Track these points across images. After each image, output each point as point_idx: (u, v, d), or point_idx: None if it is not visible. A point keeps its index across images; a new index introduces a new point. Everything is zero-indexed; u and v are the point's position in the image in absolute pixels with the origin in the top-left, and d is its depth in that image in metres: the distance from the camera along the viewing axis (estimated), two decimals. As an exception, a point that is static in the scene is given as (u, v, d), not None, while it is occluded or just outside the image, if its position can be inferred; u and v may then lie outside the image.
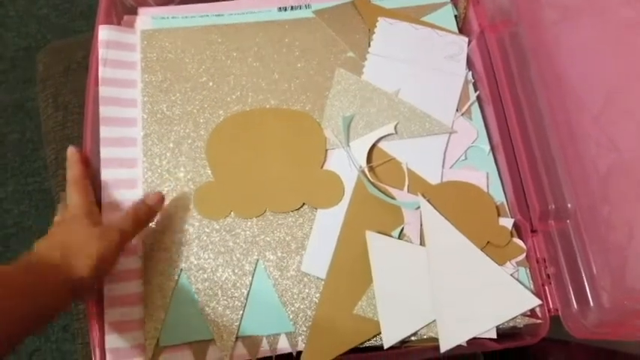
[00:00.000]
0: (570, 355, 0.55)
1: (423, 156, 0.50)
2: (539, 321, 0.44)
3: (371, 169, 0.49)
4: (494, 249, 0.46)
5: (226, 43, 0.53)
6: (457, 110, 0.52)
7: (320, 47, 0.54)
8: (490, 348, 0.43)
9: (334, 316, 0.44)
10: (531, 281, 0.45)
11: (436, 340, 0.43)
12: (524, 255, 0.46)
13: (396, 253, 0.45)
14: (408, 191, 0.48)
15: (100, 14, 0.51)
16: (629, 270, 0.40)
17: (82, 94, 0.49)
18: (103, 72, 0.49)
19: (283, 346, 0.43)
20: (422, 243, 0.46)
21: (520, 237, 0.47)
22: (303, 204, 0.47)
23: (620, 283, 0.40)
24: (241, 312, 0.44)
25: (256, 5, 0.56)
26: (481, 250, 0.45)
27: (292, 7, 0.56)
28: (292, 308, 0.44)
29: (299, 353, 0.43)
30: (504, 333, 0.44)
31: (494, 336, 0.43)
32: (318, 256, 0.46)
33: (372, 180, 0.48)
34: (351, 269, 0.45)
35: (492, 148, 0.51)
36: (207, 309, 0.44)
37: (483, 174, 0.49)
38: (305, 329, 0.43)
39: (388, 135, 0.50)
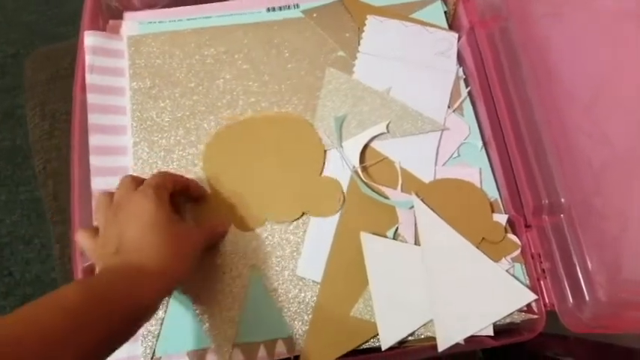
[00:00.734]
0: (568, 349, 0.55)
1: (415, 154, 0.49)
2: (535, 316, 0.44)
3: (364, 169, 0.49)
4: (489, 245, 0.46)
5: (215, 46, 0.53)
6: (449, 107, 0.52)
7: (310, 47, 0.53)
8: (488, 345, 0.43)
9: (331, 319, 0.44)
10: (527, 277, 0.45)
11: (434, 339, 0.43)
12: (519, 251, 0.46)
13: (391, 253, 0.45)
14: (402, 190, 0.48)
15: (84, 19, 0.51)
16: (624, 263, 0.40)
17: (70, 102, 0.48)
18: (90, 79, 0.49)
19: (281, 351, 0.43)
20: (417, 242, 0.46)
21: (514, 233, 0.47)
22: (303, 213, 0.47)
23: (616, 276, 0.40)
24: (237, 318, 0.44)
25: (244, 6, 0.55)
26: (476, 246, 0.45)
27: (281, 8, 0.55)
28: (289, 313, 0.44)
29: (297, 358, 0.43)
30: (501, 329, 0.44)
31: (492, 333, 0.43)
32: (313, 259, 0.45)
33: (365, 180, 0.48)
34: (347, 271, 0.45)
35: (485, 144, 0.51)
36: (203, 317, 0.43)
37: (476, 170, 0.49)
38: (302, 333, 0.43)
39: (380, 134, 0.50)
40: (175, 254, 0.38)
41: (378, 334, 0.43)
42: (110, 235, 0.38)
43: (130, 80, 0.50)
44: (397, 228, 0.46)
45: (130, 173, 0.47)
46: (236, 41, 0.53)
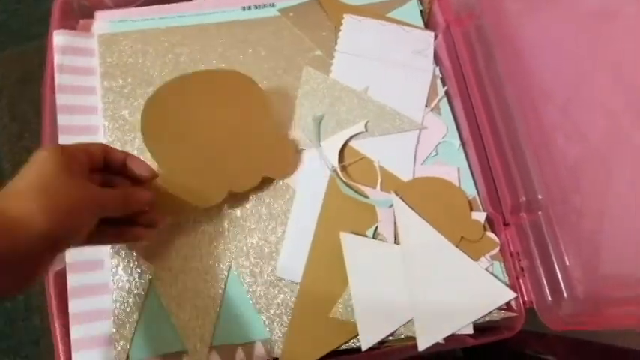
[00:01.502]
0: (547, 346, 0.55)
1: (394, 153, 0.49)
2: (514, 314, 0.44)
3: (343, 168, 0.48)
4: (468, 244, 0.46)
5: (189, 44, 0.52)
6: (426, 106, 0.51)
7: (286, 46, 0.53)
8: (468, 343, 0.43)
9: (311, 320, 0.43)
10: (505, 275, 0.46)
11: (414, 338, 0.42)
12: (497, 249, 0.46)
13: (371, 253, 0.45)
14: (381, 189, 0.48)
15: (54, 19, 0.49)
16: (601, 260, 0.40)
17: (40, 103, 0.47)
18: (60, 79, 0.47)
19: (259, 353, 0.42)
20: (396, 241, 0.46)
21: (493, 231, 0.47)
22: (263, 179, 0.45)
23: (593, 274, 0.40)
24: (215, 320, 0.43)
25: (219, 5, 0.55)
26: (455, 245, 0.45)
27: (256, 6, 0.55)
28: (267, 314, 0.43)
29: (276, 360, 0.42)
30: (481, 327, 0.44)
31: (472, 331, 0.43)
32: (292, 259, 0.45)
33: (344, 179, 0.47)
34: (327, 272, 0.44)
35: (462, 143, 0.51)
36: (179, 320, 0.42)
37: (454, 169, 0.49)
38: (281, 335, 0.43)
39: (359, 133, 0.49)
40: (57, 214, 0.31)
41: (358, 335, 0.42)
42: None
43: (100, 79, 0.49)
44: (377, 227, 0.46)
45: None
46: (211, 40, 0.52)
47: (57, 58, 0.48)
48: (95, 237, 0.36)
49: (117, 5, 0.54)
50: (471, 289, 0.44)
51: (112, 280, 0.43)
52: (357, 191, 0.47)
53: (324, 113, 0.50)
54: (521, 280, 0.44)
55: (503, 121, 0.48)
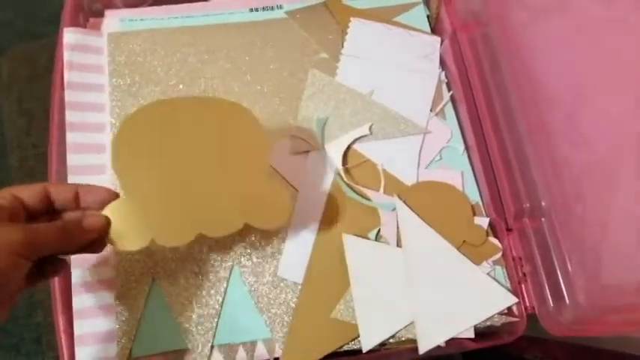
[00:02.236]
0: (547, 352, 0.55)
1: (398, 157, 0.49)
2: (516, 319, 0.44)
3: (347, 170, 0.48)
4: (471, 248, 0.46)
5: (196, 45, 0.52)
6: (431, 110, 0.52)
7: (292, 48, 0.53)
8: (468, 347, 0.43)
9: (312, 320, 0.43)
10: (507, 280, 0.46)
11: (415, 341, 0.42)
12: (500, 254, 0.46)
13: (373, 255, 0.45)
14: (384, 192, 0.48)
15: (65, 17, 0.50)
16: (603, 267, 0.40)
17: (48, 100, 0.47)
18: (69, 76, 0.48)
19: (261, 353, 0.43)
20: (399, 244, 0.46)
21: (496, 236, 0.47)
22: (245, 225, 0.39)
23: (595, 280, 0.40)
24: (217, 320, 0.43)
25: (227, 6, 0.55)
26: (457, 249, 0.45)
27: (264, 8, 0.55)
28: (269, 314, 0.43)
29: (277, 360, 0.42)
30: (482, 332, 0.44)
31: (472, 335, 0.43)
32: (294, 260, 0.45)
33: (348, 182, 0.47)
34: (328, 273, 0.45)
35: (467, 148, 0.51)
36: (181, 318, 0.43)
37: (458, 173, 0.49)
38: (282, 335, 0.43)
39: (363, 136, 0.50)
40: None
41: (359, 336, 0.43)
42: None
43: (109, 77, 0.49)
44: (379, 230, 0.46)
45: (108, 172, 0.46)
46: (218, 41, 0.53)
47: (66, 55, 0.48)
48: (38, 277, 0.34)
49: (126, 5, 0.54)
50: (472, 294, 0.44)
51: (116, 276, 0.44)
52: (360, 194, 0.47)
53: (329, 116, 0.50)
54: (523, 286, 0.44)
55: (508, 127, 0.48)
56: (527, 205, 0.45)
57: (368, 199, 0.47)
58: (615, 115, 0.43)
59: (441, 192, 0.48)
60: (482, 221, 0.47)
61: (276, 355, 0.42)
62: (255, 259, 0.45)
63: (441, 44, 0.54)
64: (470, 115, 0.50)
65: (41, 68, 0.62)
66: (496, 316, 0.44)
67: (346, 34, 0.54)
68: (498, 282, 0.45)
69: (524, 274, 0.45)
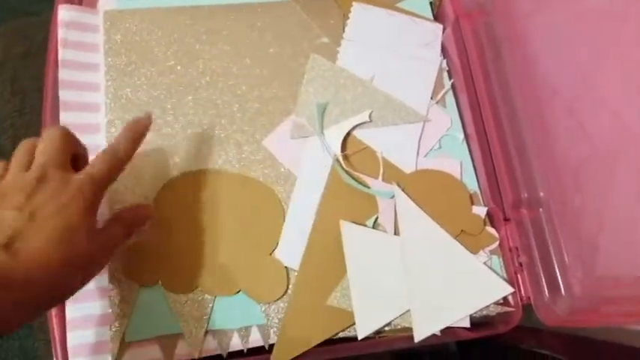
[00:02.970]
0: (542, 342, 0.55)
1: (397, 144, 0.49)
2: (511, 309, 0.44)
3: (345, 157, 0.48)
4: (468, 237, 0.46)
5: (195, 25, 0.51)
6: (431, 98, 0.51)
7: (293, 32, 0.52)
8: (464, 337, 0.43)
9: (307, 307, 0.43)
10: (504, 270, 0.46)
11: (410, 330, 0.42)
12: (497, 243, 0.46)
13: (371, 242, 0.45)
14: (383, 180, 0.47)
15: (60, -7, 0.49)
16: (600, 258, 0.40)
17: (42, 79, 0.46)
18: (63, 54, 0.47)
19: (255, 338, 0.42)
20: (396, 232, 0.45)
21: (493, 225, 0.47)
22: (239, 291, 0.43)
23: (591, 272, 0.40)
24: (211, 305, 0.42)
25: (227, -13, 0.54)
26: (455, 238, 0.45)
27: (265, -10, 0.54)
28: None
29: (271, 346, 0.42)
30: (477, 322, 0.44)
31: (468, 325, 0.43)
32: (291, 246, 0.44)
33: (346, 168, 0.47)
34: (325, 260, 0.44)
35: (466, 137, 0.51)
36: (175, 302, 0.42)
37: (457, 162, 0.49)
38: (277, 321, 0.42)
39: (363, 123, 0.49)
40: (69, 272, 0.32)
41: (354, 324, 0.42)
42: (8, 218, 0.30)
43: (104, 56, 0.48)
44: (377, 217, 0.46)
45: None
46: (218, 22, 0.52)
47: (61, 33, 0.47)
48: None
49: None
50: (469, 283, 0.44)
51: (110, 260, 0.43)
52: (358, 181, 0.47)
53: (329, 101, 0.49)
54: (519, 276, 0.44)
55: (508, 117, 0.47)
56: (525, 195, 0.45)
57: (366, 186, 0.47)
58: (616, 108, 0.43)
59: (439, 180, 0.48)
60: (480, 210, 0.47)
61: (271, 342, 0.42)
62: (251, 245, 0.45)
63: (444, 32, 0.54)
64: (470, 104, 0.50)
65: (36, 46, 0.60)
66: (492, 305, 0.44)
67: (348, 18, 0.53)
68: (495, 272, 0.45)
69: (521, 264, 0.45)
